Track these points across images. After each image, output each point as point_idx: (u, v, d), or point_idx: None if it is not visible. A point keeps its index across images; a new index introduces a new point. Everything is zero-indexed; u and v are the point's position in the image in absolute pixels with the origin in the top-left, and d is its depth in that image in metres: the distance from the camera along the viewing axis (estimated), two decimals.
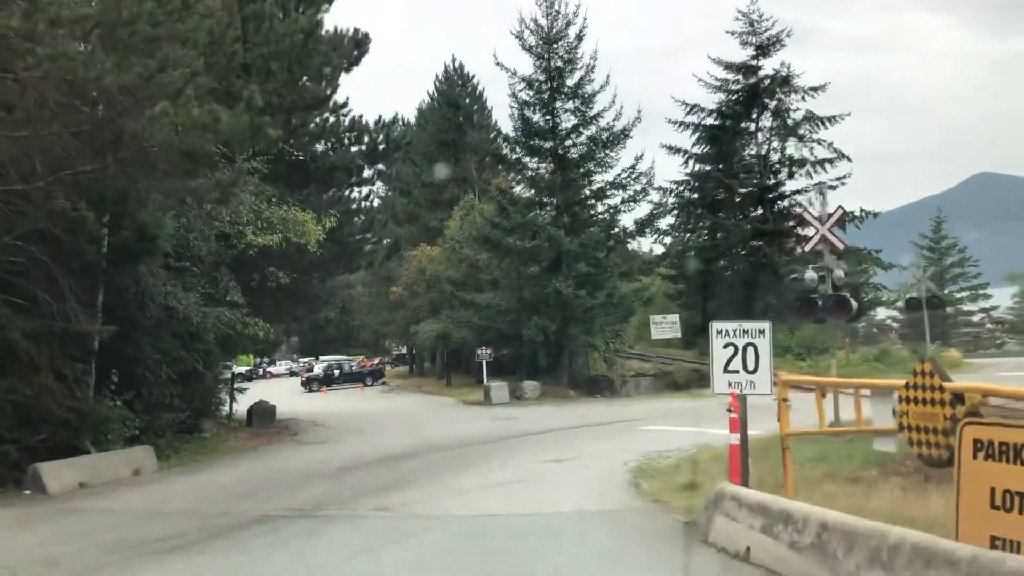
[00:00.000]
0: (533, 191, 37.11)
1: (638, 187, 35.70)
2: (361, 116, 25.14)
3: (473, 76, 51.90)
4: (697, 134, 54.68)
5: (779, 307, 52.27)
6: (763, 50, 53.25)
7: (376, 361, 64.20)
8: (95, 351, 18.39)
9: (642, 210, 38.67)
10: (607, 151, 35.84)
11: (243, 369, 72.01)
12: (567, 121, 36.37)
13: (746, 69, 53.47)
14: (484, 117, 51.15)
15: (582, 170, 36.58)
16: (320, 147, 25.36)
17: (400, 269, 49.45)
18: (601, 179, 36.16)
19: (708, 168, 55.10)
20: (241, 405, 31.15)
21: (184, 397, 21.38)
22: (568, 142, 36.44)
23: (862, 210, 51.48)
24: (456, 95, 50.92)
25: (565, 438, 23.20)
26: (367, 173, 25.69)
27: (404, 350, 71.66)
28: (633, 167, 35.53)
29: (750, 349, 11.95)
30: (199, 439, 23.23)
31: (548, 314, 34.56)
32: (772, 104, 53.55)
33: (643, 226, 37.39)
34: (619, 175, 35.67)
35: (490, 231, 35.99)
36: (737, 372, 12.15)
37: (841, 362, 41.22)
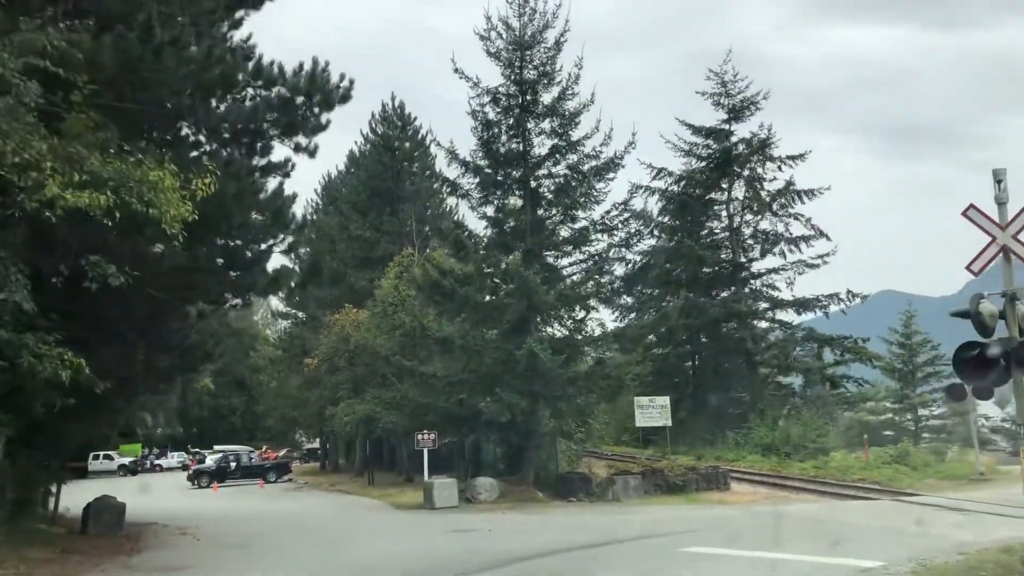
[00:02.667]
0: (495, 231, 27.95)
1: (632, 229, 26.87)
2: (272, 61, 15.97)
3: (415, 118, 43.21)
4: (663, 202, 46.96)
5: (755, 400, 43.92)
6: (736, 114, 46.18)
7: (282, 453, 52.65)
8: None
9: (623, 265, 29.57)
10: (592, 185, 27.06)
11: (127, 460, 59.86)
12: (541, 146, 27.62)
13: (716, 133, 46.29)
14: (427, 164, 42.13)
15: (559, 208, 27.67)
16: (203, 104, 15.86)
17: (317, 339, 39.32)
18: (587, 217, 27.21)
19: (675, 240, 47.22)
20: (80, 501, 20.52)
21: None
22: (542, 171, 27.60)
23: (849, 292, 43.93)
24: (394, 138, 42.08)
25: (579, 571, 13.71)
26: (279, 152, 16.29)
27: (317, 444, 60.41)
28: (625, 204, 26.80)
29: None
30: None
31: (516, 387, 25.03)
32: (745, 173, 46.30)
33: (633, 279, 28.42)
34: (607, 213, 26.84)
35: (441, 278, 26.54)
36: None
37: (859, 464, 32.97)
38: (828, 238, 44.50)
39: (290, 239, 16.48)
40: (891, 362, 56.34)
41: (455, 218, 29.45)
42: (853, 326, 44.59)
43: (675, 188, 46.58)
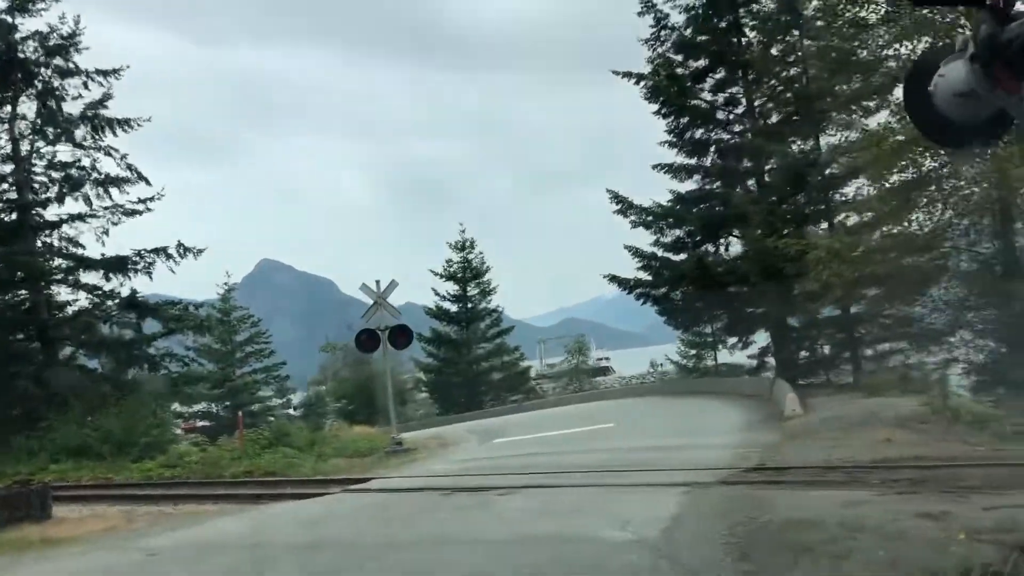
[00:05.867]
0: None
1: None
2: None
3: None
4: None
5: (56, 390, 30.64)
6: (20, 2, 32.58)
7: None
8: None
9: None
10: None
11: None
12: None
13: None
14: None
15: None
16: None
17: None
18: None
19: None
20: None
21: None
22: None
23: (180, 245, 33.58)
24: None
25: None
26: None
27: None
28: None
29: None
30: None
31: None
32: (38, 85, 32.92)
33: None
34: None
35: None
36: None
37: (233, 453, 23.62)
38: (148, 182, 33.87)
39: None
40: (208, 344, 47.89)
41: None
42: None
43: None
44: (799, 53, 25.05)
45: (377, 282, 21.65)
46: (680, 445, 15.26)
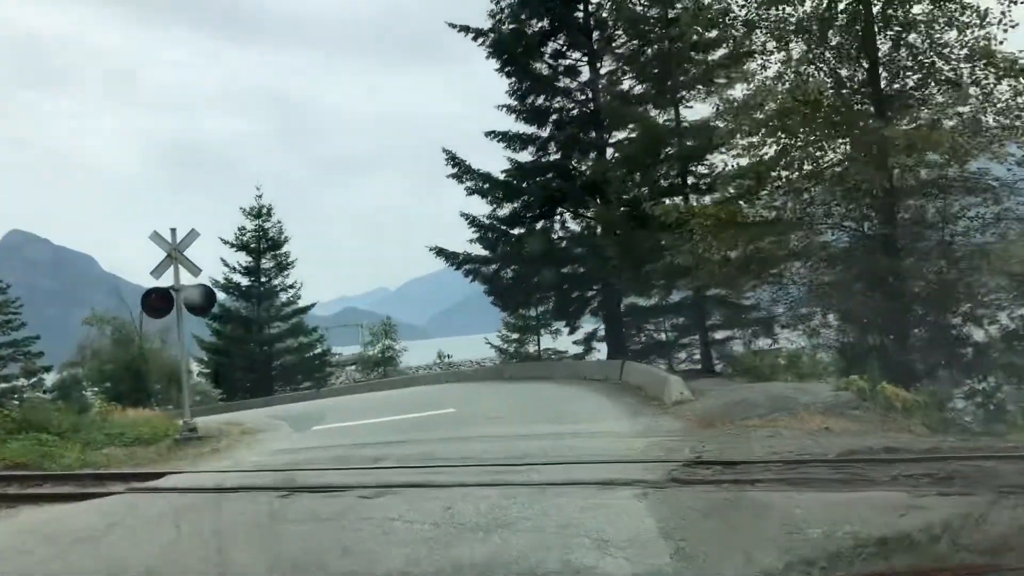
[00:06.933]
0: None
1: None
2: None
3: None
4: None
5: None
6: None
7: None
8: None
9: None
10: None
11: None
12: None
13: None
14: None
15: None
16: None
17: None
18: None
19: None
20: None
21: None
22: None
23: None
24: None
25: None
26: None
27: None
28: None
29: None
30: None
31: None
32: None
33: None
34: None
35: None
36: None
37: None
38: None
39: None
40: None
41: None
42: None
43: None
44: (662, 14, 23.23)
45: (173, 231, 17.35)
46: (559, 433, 12.60)
